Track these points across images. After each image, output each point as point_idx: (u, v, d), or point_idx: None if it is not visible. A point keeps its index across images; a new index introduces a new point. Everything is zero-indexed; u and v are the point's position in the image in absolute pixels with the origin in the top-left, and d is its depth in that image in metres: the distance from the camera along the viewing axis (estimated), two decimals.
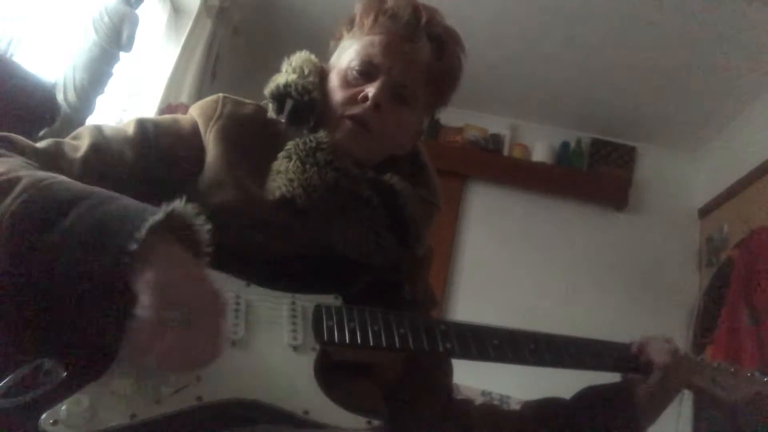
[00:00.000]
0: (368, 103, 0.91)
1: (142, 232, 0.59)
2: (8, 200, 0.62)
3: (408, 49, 0.94)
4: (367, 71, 0.94)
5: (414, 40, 0.94)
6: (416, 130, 1.03)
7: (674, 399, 0.94)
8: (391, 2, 0.96)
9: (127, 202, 0.64)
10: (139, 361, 0.60)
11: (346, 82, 0.95)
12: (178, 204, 0.64)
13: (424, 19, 0.95)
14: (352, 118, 0.92)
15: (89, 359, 0.62)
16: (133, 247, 0.58)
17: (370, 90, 0.91)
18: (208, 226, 0.66)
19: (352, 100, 0.93)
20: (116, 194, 0.66)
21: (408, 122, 0.98)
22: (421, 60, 0.94)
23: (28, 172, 0.67)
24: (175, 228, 0.64)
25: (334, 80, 0.96)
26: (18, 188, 0.63)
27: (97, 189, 0.66)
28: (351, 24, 0.99)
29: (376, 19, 0.95)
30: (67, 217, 0.61)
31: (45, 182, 0.65)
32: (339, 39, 1.02)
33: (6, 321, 0.62)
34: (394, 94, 0.94)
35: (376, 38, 0.94)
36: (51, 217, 0.61)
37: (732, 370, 0.95)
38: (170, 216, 0.62)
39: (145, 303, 0.57)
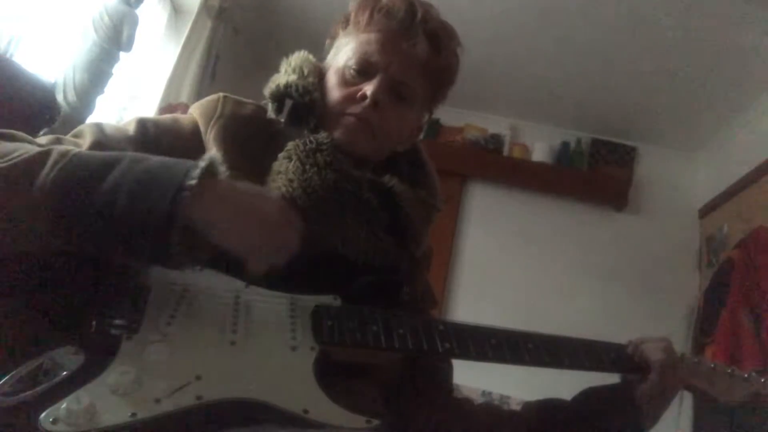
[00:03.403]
0: (367, 101, 0.91)
1: (198, 170, 0.66)
2: (46, 169, 0.65)
3: (405, 46, 0.93)
4: (364, 69, 0.94)
5: (410, 36, 0.93)
6: (416, 127, 1.03)
7: (673, 399, 0.94)
8: None
9: (161, 157, 0.70)
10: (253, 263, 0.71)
11: (344, 81, 0.94)
12: (214, 154, 0.72)
13: (419, 15, 0.94)
14: (351, 116, 0.92)
15: (91, 356, 0.63)
16: (193, 182, 0.65)
17: (369, 88, 0.91)
18: (228, 174, 0.72)
19: (350, 99, 0.93)
20: (146, 154, 0.71)
21: (407, 119, 0.98)
22: (418, 56, 0.94)
23: (52, 147, 0.70)
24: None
25: (331, 79, 0.96)
26: (51, 160, 0.66)
27: (126, 152, 0.71)
28: (346, 22, 0.99)
29: (371, 16, 0.94)
30: (111, 173, 0.65)
31: (74, 152, 0.69)
32: (334, 37, 1.02)
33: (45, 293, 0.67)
34: (392, 92, 0.94)
35: (372, 36, 0.94)
36: (95, 175, 0.65)
37: (729, 371, 0.95)
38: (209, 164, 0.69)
39: (231, 218, 0.68)
